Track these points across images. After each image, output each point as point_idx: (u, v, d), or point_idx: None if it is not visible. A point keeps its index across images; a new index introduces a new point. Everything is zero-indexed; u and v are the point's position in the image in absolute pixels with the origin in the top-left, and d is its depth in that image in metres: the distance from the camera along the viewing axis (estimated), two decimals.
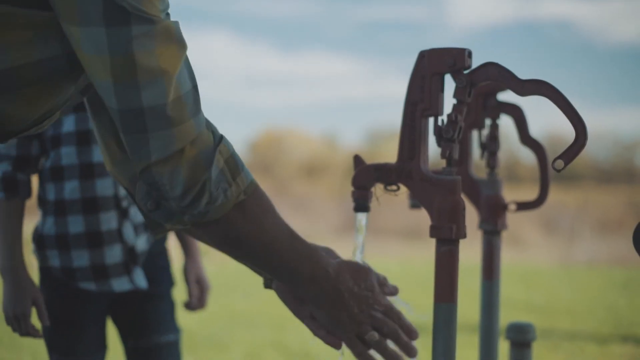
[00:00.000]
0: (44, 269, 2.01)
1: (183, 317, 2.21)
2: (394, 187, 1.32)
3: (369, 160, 1.35)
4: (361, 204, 1.34)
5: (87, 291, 1.98)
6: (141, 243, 2.02)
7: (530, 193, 1.93)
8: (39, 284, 2.01)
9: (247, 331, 5.47)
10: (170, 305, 2.12)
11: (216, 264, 8.03)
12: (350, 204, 1.35)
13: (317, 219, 13.20)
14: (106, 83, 1.03)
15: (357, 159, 1.35)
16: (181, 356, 2.13)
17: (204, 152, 1.07)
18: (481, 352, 1.91)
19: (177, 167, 1.05)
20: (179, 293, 2.36)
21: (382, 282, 1.21)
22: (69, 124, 1.94)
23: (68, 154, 1.94)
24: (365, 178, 1.33)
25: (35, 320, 1.93)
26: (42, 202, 2.01)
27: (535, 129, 1.92)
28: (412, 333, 1.20)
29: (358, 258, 1.31)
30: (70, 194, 1.94)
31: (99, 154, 1.93)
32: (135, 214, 1.99)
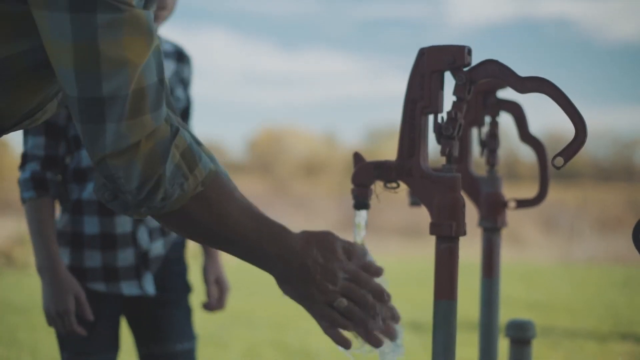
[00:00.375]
0: None
1: None
2: (394, 185, 1.32)
3: (369, 158, 1.35)
4: (361, 201, 1.34)
5: (97, 291, 1.98)
6: (156, 248, 2.00)
7: (529, 191, 1.93)
8: None
9: (247, 330, 5.47)
10: (186, 312, 2.09)
11: None
12: (350, 201, 1.35)
13: (317, 217, 13.21)
14: (68, 71, 1.00)
15: (357, 157, 1.35)
16: None
17: (160, 145, 1.05)
18: (481, 350, 1.92)
19: (132, 161, 1.04)
20: (198, 294, 2.34)
21: (348, 249, 1.18)
22: None
23: (88, 155, 1.93)
24: (365, 175, 1.33)
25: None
26: (63, 201, 2.00)
27: (534, 127, 1.92)
28: (383, 295, 1.17)
29: None
30: (90, 194, 1.94)
31: None
32: (151, 219, 1.98)
